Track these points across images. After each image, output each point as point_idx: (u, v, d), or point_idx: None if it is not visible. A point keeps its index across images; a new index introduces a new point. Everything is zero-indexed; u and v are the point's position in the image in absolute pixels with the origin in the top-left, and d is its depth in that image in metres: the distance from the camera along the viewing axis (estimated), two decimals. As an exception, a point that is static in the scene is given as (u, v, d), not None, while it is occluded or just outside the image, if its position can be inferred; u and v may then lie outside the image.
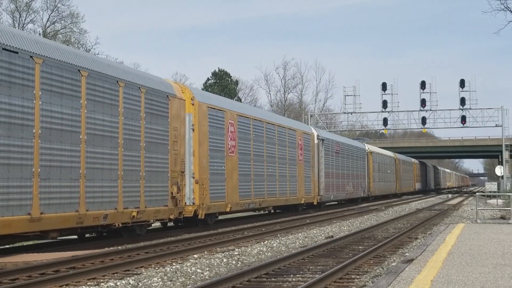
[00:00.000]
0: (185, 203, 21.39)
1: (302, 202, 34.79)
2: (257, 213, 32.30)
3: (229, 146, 24.61)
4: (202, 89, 73.74)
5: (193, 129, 21.84)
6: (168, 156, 20.22)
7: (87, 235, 19.76)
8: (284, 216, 31.71)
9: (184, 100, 21.66)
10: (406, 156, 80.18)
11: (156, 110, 19.69)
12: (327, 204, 42.80)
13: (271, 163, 29.68)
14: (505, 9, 41.42)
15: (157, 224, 23.19)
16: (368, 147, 55.89)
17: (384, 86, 61.99)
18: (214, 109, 23.67)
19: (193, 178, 21.74)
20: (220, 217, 27.40)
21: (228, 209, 24.32)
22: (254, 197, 27.21)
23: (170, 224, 23.63)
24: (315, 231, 22.57)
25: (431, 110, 61.71)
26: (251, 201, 26.85)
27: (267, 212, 32.88)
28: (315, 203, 37.14)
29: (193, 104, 21.88)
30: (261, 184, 28.13)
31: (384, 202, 52.13)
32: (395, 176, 67.63)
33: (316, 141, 37.78)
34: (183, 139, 21.29)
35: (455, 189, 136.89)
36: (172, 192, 20.13)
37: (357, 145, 51.52)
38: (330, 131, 59.52)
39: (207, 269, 13.28)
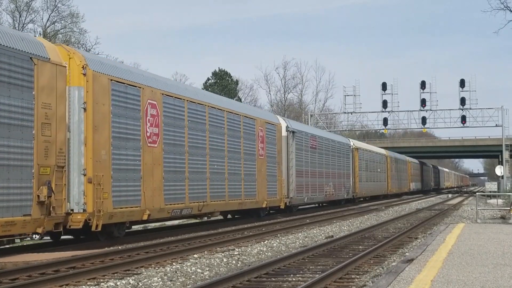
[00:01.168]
0: (71, 210, 16.20)
1: (264, 206, 28.79)
2: (198, 220, 26.07)
3: (148, 134, 19.17)
4: (202, 89, 73.75)
5: (84, 109, 16.54)
6: (32, 144, 14.77)
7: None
8: (239, 223, 25.95)
9: (65, 67, 16.18)
10: (405, 155, 79.94)
11: (6, 76, 14.20)
12: (300, 207, 37.90)
13: (218, 157, 24.04)
14: (504, 8, 41.39)
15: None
16: (354, 142, 50.73)
17: (384, 86, 61.97)
18: (123, 83, 18.18)
19: (84, 175, 16.40)
20: (142, 227, 24.18)
21: (145, 217, 18.88)
22: (190, 201, 21.56)
23: (42, 239, 18.10)
24: (315, 231, 22.57)
25: (431, 110, 61.69)
26: (184, 206, 21.14)
27: (211, 219, 26.07)
28: (282, 206, 31.24)
29: (84, 75, 16.60)
30: (200, 184, 22.45)
31: (375, 204, 48.63)
32: (386, 175, 62.36)
33: (284, 133, 32.38)
34: (62, 121, 15.80)
35: (455, 189, 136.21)
36: (39, 196, 14.75)
37: (340, 140, 46.08)
38: (327, 128, 56.93)
39: (207, 269, 13.29)
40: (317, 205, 42.44)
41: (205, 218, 24.84)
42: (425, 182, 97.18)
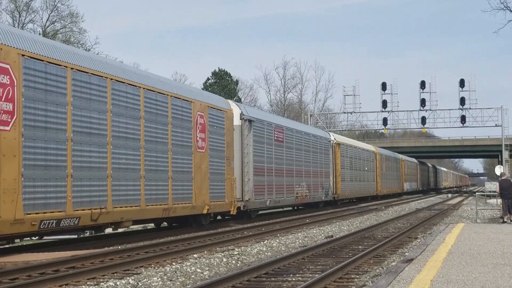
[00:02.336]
0: None
1: (205, 211, 22.77)
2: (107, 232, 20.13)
3: None
4: (202, 89, 73.74)
5: None
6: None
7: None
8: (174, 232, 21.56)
9: None
10: (407, 155, 79.76)
11: None
12: (261, 212, 31.95)
13: (129, 148, 18.46)
14: (504, 8, 41.46)
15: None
16: (336, 137, 44.64)
17: (384, 86, 61.99)
18: None
19: None
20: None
21: None
22: (76, 208, 15.94)
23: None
24: (314, 231, 22.58)
25: (430, 110, 61.71)
26: (65, 215, 15.57)
27: (122, 230, 21.85)
28: (233, 212, 25.21)
29: None
30: (96, 185, 16.86)
31: (376, 204, 46.96)
32: (375, 175, 56.67)
33: (237, 121, 26.45)
34: None
35: (454, 189, 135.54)
36: None
37: (316, 133, 39.75)
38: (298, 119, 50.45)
39: (207, 268, 13.29)
40: (291, 208, 37.92)
41: (109, 230, 19.27)
42: (422, 182, 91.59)
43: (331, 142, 42.30)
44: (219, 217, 27.58)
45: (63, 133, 15.78)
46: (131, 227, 21.67)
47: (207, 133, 23.39)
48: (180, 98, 21.59)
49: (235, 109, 26.73)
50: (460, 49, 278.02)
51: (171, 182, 20.68)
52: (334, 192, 41.79)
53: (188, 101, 22.14)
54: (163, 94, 20.55)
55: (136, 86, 19.00)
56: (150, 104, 19.74)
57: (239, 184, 26.46)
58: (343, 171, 44.10)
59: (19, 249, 16.39)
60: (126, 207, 18.13)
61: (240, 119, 26.79)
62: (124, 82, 18.37)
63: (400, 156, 72.93)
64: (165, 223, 24.57)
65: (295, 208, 38.47)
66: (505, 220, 25.30)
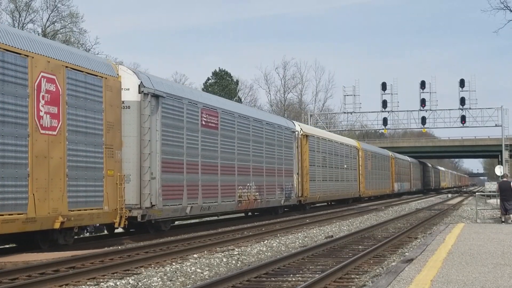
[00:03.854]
0: None
1: (57, 226, 15.43)
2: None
3: None
4: (202, 89, 73.72)
5: None
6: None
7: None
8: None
9: None
10: (407, 155, 79.49)
11: None
12: (177, 223, 25.64)
13: None
14: (504, 8, 41.37)
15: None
16: (303, 127, 36.92)
17: (384, 86, 61.97)
18: None
19: None
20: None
21: None
22: None
23: None
24: (314, 231, 22.57)
25: (430, 110, 61.68)
26: None
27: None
28: (118, 224, 18.02)
29: None
30: None
31: (375, 204, 44.40)
32: (358, 173, 48.89)
33: (132, 95, 19.46)
34: None
35: (454, 189, 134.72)
36: None
37: (273, 120, 31.82)
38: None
39: (207, 268, 13.29)
40: (235, 216, 31.05)
41: None
42: (416, 182, 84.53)
43: (296, 133, 34.29)
44: (119, 230, 20.26)
45: None
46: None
47: (64, 106, 16.08)
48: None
49: (128, 78, 19.39)
50: (460, 49, 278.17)
51: None
52: (300, 195, 34.20)
53: (19, 54, 14.74)
54: None
55: None
56: None
57: (135, 184, 19.19)
58: (312, 168, 36.38)
59: (19, 249, 16.37)
60: None
61: (139, 93, 19.51)
62: None
63: (390, 153, 66.14)
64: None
65: (249, 214, 31.79)
66: (503, 220, 25.34)
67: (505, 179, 27.01)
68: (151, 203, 19.41)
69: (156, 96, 20.00)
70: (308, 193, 35.31)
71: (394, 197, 65.69)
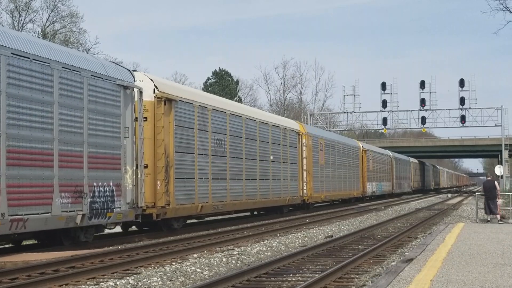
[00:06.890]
0: None
1: None
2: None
3: None
4: (202, 89, 73.70)
5: None
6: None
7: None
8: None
9: None
10: (407, 155, 79.20)
11: None
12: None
13: None
14: (504, 9, 41.29)
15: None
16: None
17: (383, 86, 62.06)
18: None
19: None
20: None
21: None
22: None
23: None
24: (314, 231, 22.57)
25: (430, 109, 61.79)
26: None
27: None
28: None
29: None
30: None
31: (375, 204, 43.39)
32: (299, 170, 34.31)
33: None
34: None
35: (454, 189, 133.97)
36: None
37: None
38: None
39: (207, 268, 13.28)
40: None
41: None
42: (400, 182, 69.81)
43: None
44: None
45: None
46: (131, 227, 21.65)
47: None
48: None
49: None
50: (460, 49, 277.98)
51: None
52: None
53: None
54: None
55: None
56: None
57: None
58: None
59: (19, 249, 16.38)
60: None
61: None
62: None
63: (360, 144, 52.25)
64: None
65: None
66: (488, 220, 25.36)
67: (489, 179, 27.11)
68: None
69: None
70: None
71: (367, 201, 56.13)
